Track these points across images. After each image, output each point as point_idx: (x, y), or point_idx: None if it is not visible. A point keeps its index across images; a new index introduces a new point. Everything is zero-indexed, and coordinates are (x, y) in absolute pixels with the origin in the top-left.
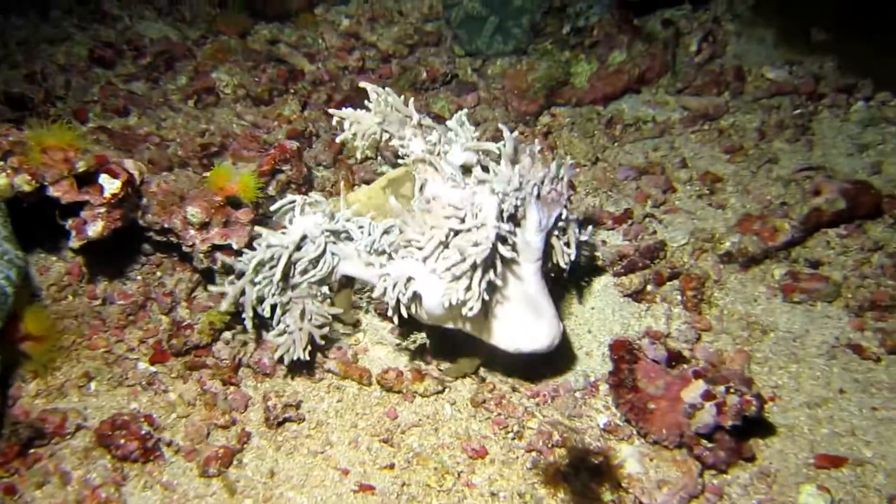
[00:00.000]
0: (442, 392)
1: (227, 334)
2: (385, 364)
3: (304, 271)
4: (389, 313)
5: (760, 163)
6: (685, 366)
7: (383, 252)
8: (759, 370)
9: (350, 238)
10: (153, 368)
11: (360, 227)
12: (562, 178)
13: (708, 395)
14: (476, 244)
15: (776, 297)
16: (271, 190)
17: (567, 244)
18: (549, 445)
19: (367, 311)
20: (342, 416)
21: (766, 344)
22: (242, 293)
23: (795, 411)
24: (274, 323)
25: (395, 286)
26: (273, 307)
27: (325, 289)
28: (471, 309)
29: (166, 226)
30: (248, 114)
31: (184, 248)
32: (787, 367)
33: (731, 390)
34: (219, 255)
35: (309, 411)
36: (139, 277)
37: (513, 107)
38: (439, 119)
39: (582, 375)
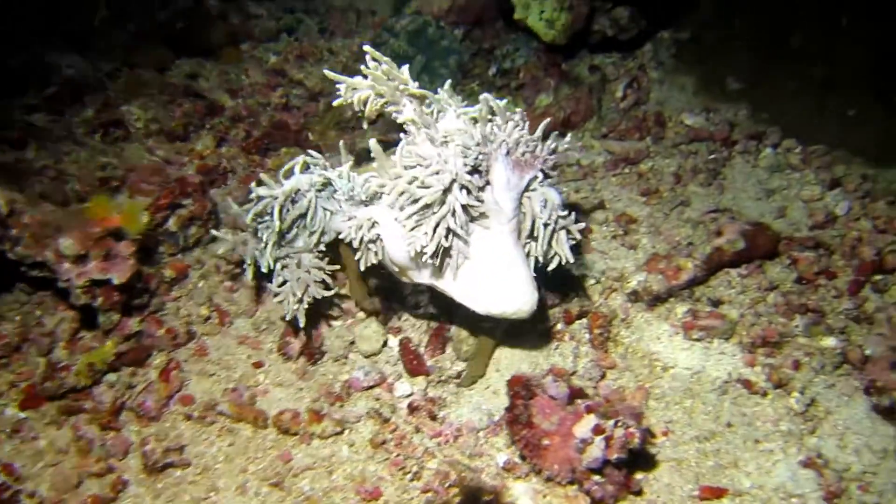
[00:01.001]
0: (341, 433)
1: (111, 376)
2: (285, 405)
3: (299, 226)
4: (357, 258)
5: (673, 205)
6: (579, 401)
7: (361, 202)
8: (657, 406)
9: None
10: (22, 414)
11: (341, 176)
12: (545, 145)
13: (598, 430)
14: (428, 186)
15: (678, 334)
16: (171, 225)
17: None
18: (445, 486)
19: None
20: (232, 460)
21: (665, 380)
22: (243, 243)
23: (686, 445)
24: (274, 276)
25: (359, 228)
26: (274, 261)
27: (322, 246)
28: (428, 256)
29: (39, 259)
30: (160, 149)
31: (59, 283)
32: (683, 402)
33: (619, 424)
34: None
35: (196, 456)
36: (17, 318)
37: None
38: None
39: (486, 414)
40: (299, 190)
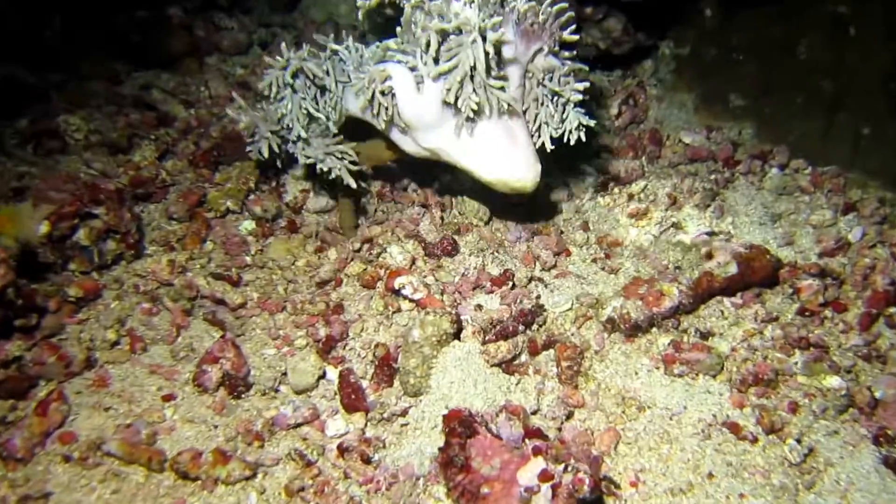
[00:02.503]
0: (252, 478)
1: None
2: (191, 445)
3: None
4: (373, 113)
5: (664, 228)
6: (527, 441)
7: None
8: (628, 451)
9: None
10: None
11: (348, 48)
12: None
13: (545, 476)
14: (460, 45)
15: (658, 369)
16: (81, 237)
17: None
18: None
19: None
20: None
21: (640, 422)
22: (262, 120)
23: (657, 499)
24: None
25: (372, 80)
26: (297, 138)
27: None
28: (460, 101)
29: None
30: (98, 161)
31: None
32: (658, 447)
33: (569, 469)
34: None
35: None
36: None
37: None
38: None
39: (429, 458)
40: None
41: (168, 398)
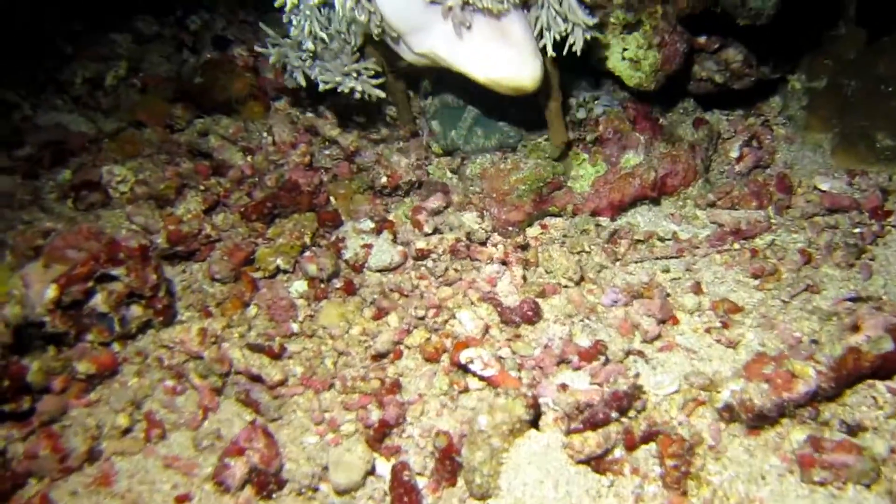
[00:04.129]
0: None
1: None
2: None
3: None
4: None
5: (796, 291)
6: None
7: None
8: None
9: None
10: None
11: None
12: None
13: None
14: None
15: (792, 473)
16: (99, 302)
17: None
18: None
19: None
20: None
21: None
22: (286, 55)
23: None
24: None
25: None
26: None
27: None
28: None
29: None
30: (140, 215)
31: None
32: None
33: None
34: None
35: None
36: None
37: (492, 214)
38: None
39: None
40: None
41: (183, 499)
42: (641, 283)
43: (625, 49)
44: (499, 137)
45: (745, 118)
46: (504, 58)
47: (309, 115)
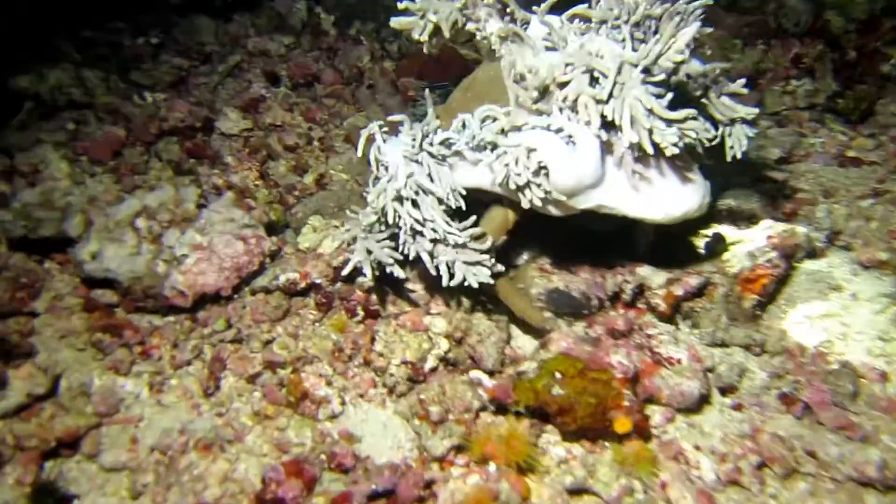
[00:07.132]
0: None
1: None
2: None
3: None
4: (522, 198)
5: None
6: None
7: (486, 146)
8: None
9: (449, 146)
10: None
11: (456, 129)
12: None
13: None
14: (616, 84)
15: None
16: None
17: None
18: None
19: None
20: None
21: None
22: (368, 252)
23: None
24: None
25: (517, 161)
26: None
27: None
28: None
29: None
30: None
31: None
32: None
33: None
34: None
35: None
36: None
37: None
38: None
39: None
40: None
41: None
42: None
43: None
44: None
45: None
46: (686, 195)
47: None
